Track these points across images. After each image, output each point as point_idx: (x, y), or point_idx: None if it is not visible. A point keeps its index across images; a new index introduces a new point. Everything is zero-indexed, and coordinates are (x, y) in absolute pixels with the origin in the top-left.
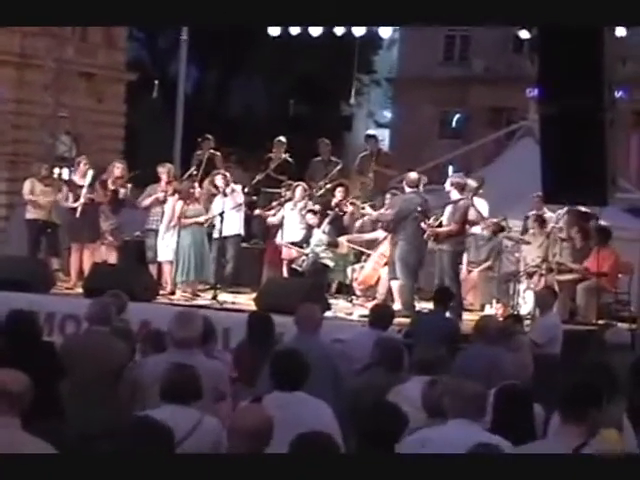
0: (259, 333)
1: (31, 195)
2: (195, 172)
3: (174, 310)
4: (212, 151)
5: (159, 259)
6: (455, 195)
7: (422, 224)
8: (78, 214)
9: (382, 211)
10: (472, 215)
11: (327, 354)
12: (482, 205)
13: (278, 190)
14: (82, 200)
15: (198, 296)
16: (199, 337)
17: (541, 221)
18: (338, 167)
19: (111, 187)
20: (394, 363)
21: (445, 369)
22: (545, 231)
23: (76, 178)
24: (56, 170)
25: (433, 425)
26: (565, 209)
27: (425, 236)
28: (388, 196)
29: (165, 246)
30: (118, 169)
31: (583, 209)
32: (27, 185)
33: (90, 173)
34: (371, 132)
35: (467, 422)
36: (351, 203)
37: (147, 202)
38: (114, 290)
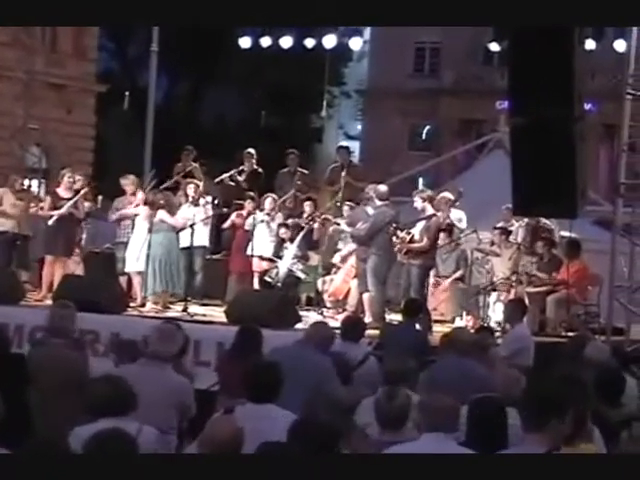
0: (248, 346)
1: None
2: (175, 183)
3: (155, 323)
4: (194, 164)
5: (129, 271)
6: (429, 210)
7: (394, 238)
8: (51, 222)
9: (358, 226)
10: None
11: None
12: (459, 215)
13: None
14: (62, 211)
15: (168, 308)
16: (174, 354)
17: (507, 234)
18: (304, 177)
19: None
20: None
21: (413, 381)
22: (513, 243)
23: (61, 190)
24: (25, 182)
25: (387, 438)
26: (524, 222)
27: (396, 249)
28: (346, 208)
29: (135, 258)
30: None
31: (543, 222)
32: None
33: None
34: (343, 144)
35: (440, 436)
36: (324, 219)
37: (115, 217)
38: (62, 300)
